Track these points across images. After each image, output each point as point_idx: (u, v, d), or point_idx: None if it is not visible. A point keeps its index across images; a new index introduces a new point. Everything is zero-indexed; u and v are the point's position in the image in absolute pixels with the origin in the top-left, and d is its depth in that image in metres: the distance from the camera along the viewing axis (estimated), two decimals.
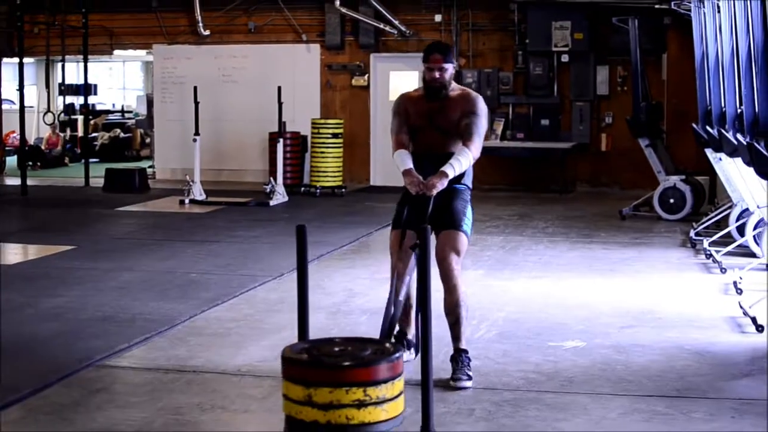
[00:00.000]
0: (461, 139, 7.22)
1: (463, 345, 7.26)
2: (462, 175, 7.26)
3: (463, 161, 7.11)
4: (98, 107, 30.66)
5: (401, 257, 6.85)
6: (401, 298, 6.50)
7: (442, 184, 6.99)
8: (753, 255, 11.63)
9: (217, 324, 8.91)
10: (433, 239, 6.38)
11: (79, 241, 13.34)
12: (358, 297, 9.97)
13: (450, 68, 7.32)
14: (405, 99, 7.54)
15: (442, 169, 7.02)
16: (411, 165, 7.17)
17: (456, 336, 7.26)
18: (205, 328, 8.76)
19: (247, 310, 9.48)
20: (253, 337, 8.46)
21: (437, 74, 7.26)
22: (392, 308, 6.17)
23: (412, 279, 6.67)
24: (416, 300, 6.45)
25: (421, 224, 6.03)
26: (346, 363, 4.71)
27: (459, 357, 7.18)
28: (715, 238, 12.62)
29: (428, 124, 7.35)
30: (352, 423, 4.63)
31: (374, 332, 7.72)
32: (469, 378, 7.07)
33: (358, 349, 4.91)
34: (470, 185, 7.47)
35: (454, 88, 7.41)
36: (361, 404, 4.64)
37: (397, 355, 4.81)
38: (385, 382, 4.71)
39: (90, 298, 9.90)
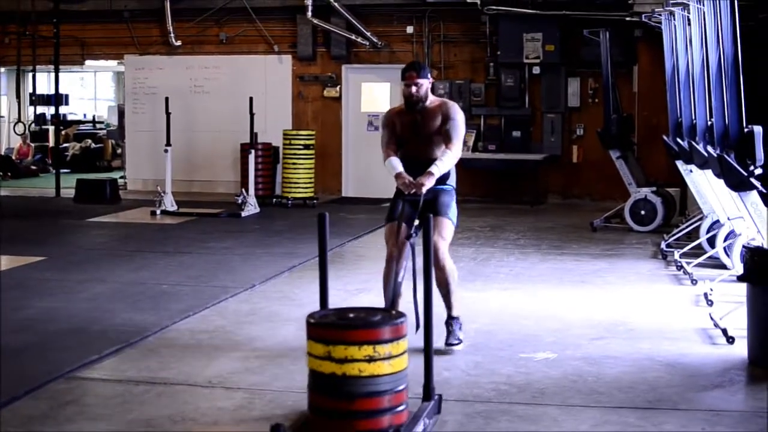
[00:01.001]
0: (443, 142, 8.23)
1: (455, 313, 8.38)
2: (447, 177, 8.30)
3: (446, 161, 8.12)
4: (69, 117, 30.58)
5: (396, 245, 7.98)
6: (400, 279, 7.52)
7: (430, 182, 8.01)
8: (723, 266, 11.66)
9: (188, 335, 8.88)
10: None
11: (49, 252, 13.28)
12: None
13: (425, 83, 8.28)
14: (392, 113, 8.58)
15: (429, 169, 8.03)
16: (401, 169, 8.17)
17: (448, 305, 8.36)
18: (177, 340, 8.72)
19: (218, 321, 9.45)
20: (225, 348, 8.43)
21: (413, 89, 8.25)
22: (392, 288, 7.33)
23: (408, 264, 7.48)
24: (415, 281, 7.16)
25: (413, 218, 7.80)
26: (359, 325, 5.81)
27: (451, 322, 8.33)
28: (685, 249, 12.65)
29: (414, 133, 8.35)
30: (364, 375, 5.68)
31: None
32: (460, 341, 8.27)
33: (368, 315, 6.01)
34: (455, 186, 8.48)
35: (433, 100, 8.40)
36: (371, 359, 5.68)
37: (400, 320, 5.86)
38: (391, 341, 5.75)
39: (60, 309, 9.85)
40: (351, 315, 6.03)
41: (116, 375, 7.67)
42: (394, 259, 7.99)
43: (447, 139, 8.21)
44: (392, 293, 7.27)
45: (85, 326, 9.13)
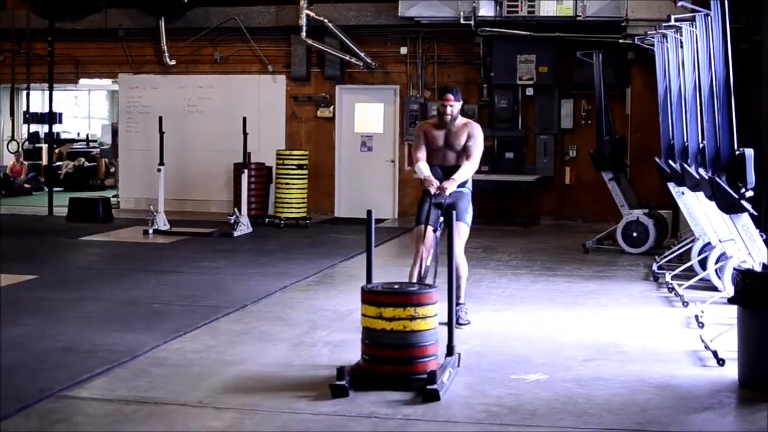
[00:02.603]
0: (465, 155, 10.16)
1: (462, 300, 10.21)
2: (466, 182, 10.22)
3: (466, 170, 10.11)
4: (63, 136, 30.56)
5: (422, 241, 9.80)
6: (428, 263, 9.48)
7: (452, 187, 9.91)
8: (715, 289, 11.67)
9: (179, 355, 8.87)
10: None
11: (41, 270, 13.27)
12: (320, 329, 9.95)
13: (457, 105, 10.21)
14: (425, 125, 10.49)
15: (453, 176, 9.98)
16: (429, 173, 10.04)
17: (458, 294, 9.79)
18: (168, 360, 8.71)
19: (209, 341, 9.44)
20: (216, 368, 8.42)
21: (449, 109, 10.18)
22: (420, 269, 9.39)
23: (432, 253, 9.58)
24: (436, 266, 9.38)
25: (438, 216, 9.79)
26: (404, 292, 7.76)
27: (459, 307, 9.88)
28: (677, 271, 12.66)
29: (443, 145, 10.24)
30: (407, 330, 7.57)
31: (337, 365, 7.76)
32: (468, 322, 10.08)
33: (409, 286, 8.09)
34: (471, 189, 10.42)
35: (461, 120, 10.33)
36: (412, 318, 7.59)
37: (433, 290, 7.84)
38: (426, 305, 7.66)
39: (52, 328, 9.83)
40: (396, 286, 7.93)
41: (107, 394, 7.65)
42: (421, 251, 9.75)
43: (468, 153, 10.17)
44: (420, 273, 9.34)
45: (76, 345, 9.11)
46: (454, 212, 9.00)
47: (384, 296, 7.68)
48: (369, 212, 7.99)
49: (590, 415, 7.15)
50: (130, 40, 22.04)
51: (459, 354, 8.32)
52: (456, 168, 10.09)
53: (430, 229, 9.76)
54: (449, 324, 8.28)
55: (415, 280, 9.44)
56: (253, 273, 13.36)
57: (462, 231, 9.98)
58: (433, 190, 9.92)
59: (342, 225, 19.49)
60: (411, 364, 7.61)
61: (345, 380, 7.50)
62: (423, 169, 10.08)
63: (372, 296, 7.70)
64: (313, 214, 20.04)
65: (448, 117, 10.19)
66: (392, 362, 7.63)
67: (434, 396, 7.34)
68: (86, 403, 7.46)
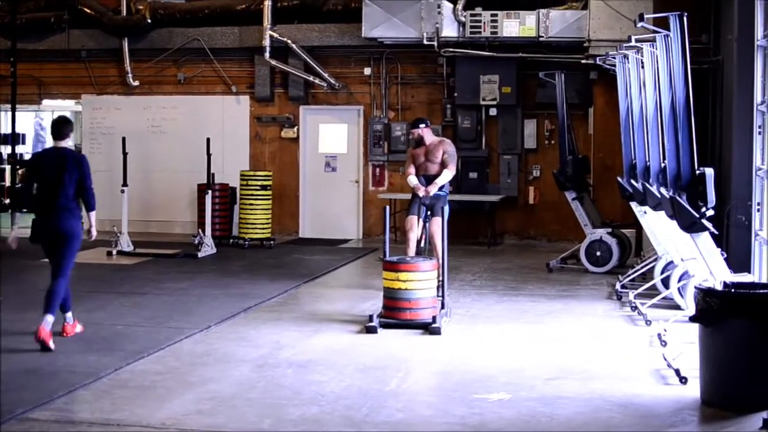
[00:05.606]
0: (443, 165, 13.55)
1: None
2: (443, 186, 13.54)
3: (444, 177, 13.53)
4: (26, 157, 30.38)
5: (413, 230, 13.38)
6: (423, 245, 13.19)
7: (434, 189, 13.40)
8: (677, 307, 11.74)
9: (142, 377, 8.84)
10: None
11: (4, 292, 13.18)
12: (285, 349, 9.94)
13: (420, 131, 13.72)
14: (411, 150, 14.01)
15: (435, 181, 13.46)
16: (417, 182, 13.54)
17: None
18: (130, 381, 8.69)
19: (173, 362, 9.41)
20: (179, 390, 8.40)
21: (416, 134, 13.79)
22: (418, 248, 13.14)
23: (423, 236, 13.30)
24: (429, 243, 13.41)
25: (425, 210, 13.38)
26: (415, 261, 11.19)
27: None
28: (640, 290, 12.72)
29: (424, 159, 13.69)
30: (417, 288, 10.94)
31: (300, 385, 7.77)
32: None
33: (417, 258, 11.74)
34: (447, 192, 13.78)
35: (435, 139, 13.99)
36: (420, 280, 10.95)
37: (434, 261, 11.37)
38: (430, 271, 11.10)
39: (14, 349, 9.74)
40: (408, 258, 11.64)
41: (69, 416, 7.63)
42: (414, 236, 13.34)
43: (446, 163, 13.56)
44: (417, 250, 13.11)
45: (38, 367, 9.07)
46: (442, 208, 12.79)
47: (400, 265, 11.04)
48: (385, 208, 12.21)
49: None
50: (93, 61, 21.97)
51: (450, 308, 11.75)
52: (436, 176, 13.50)
53: (420, 219, 13.34)
54: (442, 288, 11.64)
55: (414, 255, 12.91)
56: (216, 294, 13.34)
57: (439, 224, 12.67)
58: (421, 194, 13.41)
59: (306, 245, 19.47)
60: (419, 311, 10.93)
61: (375, 322, 10.83)
62: (412, 179, 13.66)
63: (391, 265, 11.08)
64: (277, 235, 20.03)
65: (417, 141, 13.81)
66: (406, 310, 10.94)
67: (437, 332, 10.73)
68: (49, 425, 7.42)
